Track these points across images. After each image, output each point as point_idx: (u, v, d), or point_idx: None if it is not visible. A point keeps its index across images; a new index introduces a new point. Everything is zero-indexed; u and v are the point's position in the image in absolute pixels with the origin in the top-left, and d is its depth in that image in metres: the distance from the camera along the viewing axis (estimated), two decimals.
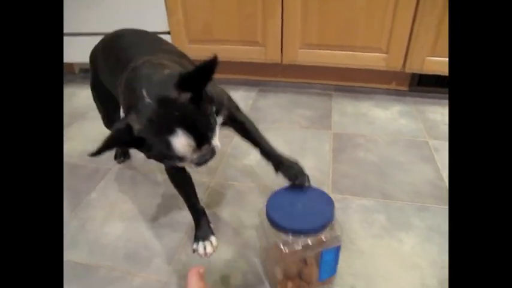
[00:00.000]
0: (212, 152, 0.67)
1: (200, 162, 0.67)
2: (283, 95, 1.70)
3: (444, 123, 1.44)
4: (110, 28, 1.48)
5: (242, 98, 1.66)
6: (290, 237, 0.71)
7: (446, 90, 1.60)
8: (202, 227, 0.94)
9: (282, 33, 1.57)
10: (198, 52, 1.68)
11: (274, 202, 0.76)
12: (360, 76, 1.69)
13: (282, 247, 0.70)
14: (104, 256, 0.93)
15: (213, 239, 0.93)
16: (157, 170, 1.22)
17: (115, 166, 1.26)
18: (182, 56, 0.92)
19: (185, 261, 0.90)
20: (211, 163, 0.70)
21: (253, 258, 0.90)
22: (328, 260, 0.76)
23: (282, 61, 1.64)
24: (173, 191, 0.92)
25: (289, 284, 0.78)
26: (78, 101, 1.75)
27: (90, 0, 1.72)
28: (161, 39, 0.98)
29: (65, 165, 1.28)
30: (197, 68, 0.58)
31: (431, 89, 1.62)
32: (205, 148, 0.64)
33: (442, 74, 1.51)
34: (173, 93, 0.59)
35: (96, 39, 1.13)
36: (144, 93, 0.60)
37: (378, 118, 1.49)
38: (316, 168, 1.20)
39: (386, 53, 1.52)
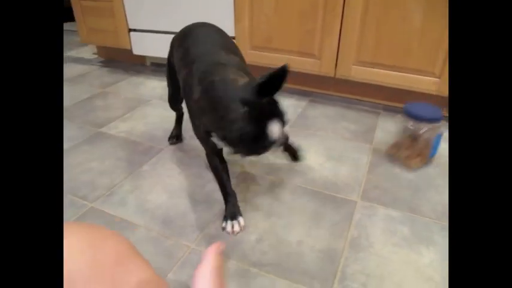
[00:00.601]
0: (286, 137, 0.87)
1: (280, 144, 0.87)
2: (332, 107, 1.76)
3: None
4: (180, 27, 1.62)
5: (292, 106, 1.75)
6: (420, 124, 1.25)
7: None
8: (231, 207, 1.03)
9: (338, 49, 1.64)
10: (257, 58, 1.82)
11: (409, 106, 1.29)
12: (411, 99, 1.71)
13: (415, 129, 1.27)
14: (145, 218, 1.05)
15: (240, 219, 1.02)
16: (203, 155, 1.34)
17: (168, 147, 1.40)
18: (243, 64, 1.05)
19: (213, 234, 1.00)
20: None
21: (275, 242, 0.97)
22: (436, 142, 1.29)
23: (335, 75, 1.71)
24: (211, 177, 1.03)
25: (417, 158, 1.31)
26: (145, 89, 1.95)
27: (166, 3, 1.92)
28: (230, 43, 1.11)
29: (125, 141, 1.45)
30: (271, 76, 0.74)
31: None
32: (283, 134, 0.84)
33: None
34: (258, 99, 0.76)
35: (168, 37, 1.29)
36: (235, 105, 0.77)
37: None
38: (350, 176, 1.25)
39: (439, 77, 1.53)
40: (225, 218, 1.03)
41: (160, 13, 1.97)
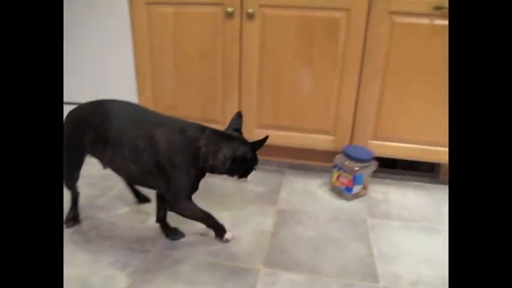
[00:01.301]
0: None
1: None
2: None
3: (384, 202, 1.53)
4: (84, 98, 1.62)
5: None
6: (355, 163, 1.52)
7: (390, 170, 1.74)
8: (222, 228, 1.26)
9: None
10: None
11: (347, 149, 1.57)
12: (313, 156, 1.81)
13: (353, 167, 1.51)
14: None
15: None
16: (102, 237, 1.26)
17: (64, 230, 1.30)
18: None
19: None
20: None
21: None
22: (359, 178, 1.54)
23: None
24: (111, 260, 0.97)
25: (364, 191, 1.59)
26: None
27: (66, 73, 1.89)
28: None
29: None
30: (235, 120, 1.27)
31: (377, 170, 1.73)
32: None
33: (384, 156, 1.64)
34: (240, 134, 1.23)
35: (69, 107, 1.26)
36: (233, 141, 1.16)
37: (323, 196, 1.57)
38: (254, 242, 1.26)
39: (334, 135, 1.65)
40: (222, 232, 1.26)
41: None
